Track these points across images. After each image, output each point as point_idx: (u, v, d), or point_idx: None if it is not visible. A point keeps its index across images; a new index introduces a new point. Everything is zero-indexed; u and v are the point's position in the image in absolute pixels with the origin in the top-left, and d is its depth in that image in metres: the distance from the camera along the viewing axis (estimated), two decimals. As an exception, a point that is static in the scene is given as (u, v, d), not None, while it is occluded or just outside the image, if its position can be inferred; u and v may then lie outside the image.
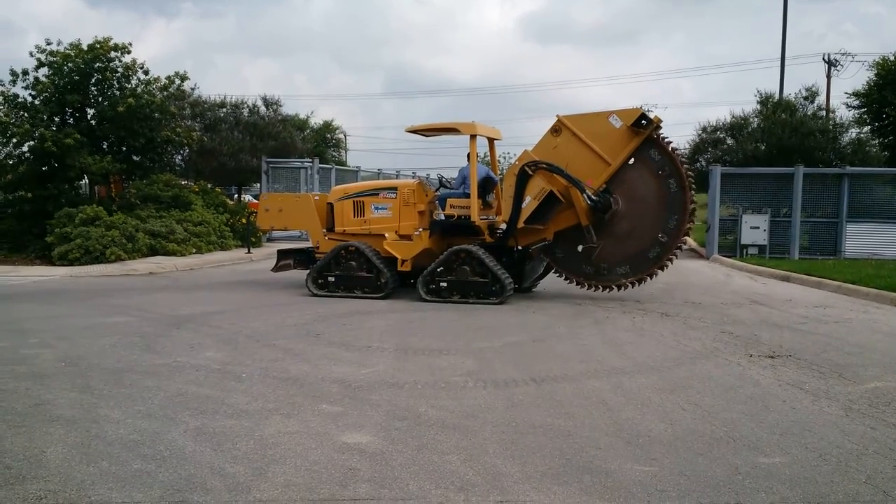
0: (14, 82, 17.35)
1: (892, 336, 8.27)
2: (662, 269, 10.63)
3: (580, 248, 10.52)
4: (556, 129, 10.52)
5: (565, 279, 10.97)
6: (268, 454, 4.26)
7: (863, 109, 24.08)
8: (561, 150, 10.44)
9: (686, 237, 10.57)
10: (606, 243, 10.49)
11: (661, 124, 10.25)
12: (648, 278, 10.67)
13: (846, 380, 6.16)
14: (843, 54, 34.19)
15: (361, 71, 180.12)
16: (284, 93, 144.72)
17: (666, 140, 10.33)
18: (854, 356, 7.09)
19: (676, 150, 10.55)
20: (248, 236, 19.06)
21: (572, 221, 10.48)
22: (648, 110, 10.57)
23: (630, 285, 10.68)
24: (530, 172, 10.40)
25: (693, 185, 10.35)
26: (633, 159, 10.38)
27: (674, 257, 10.58)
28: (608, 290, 10.77)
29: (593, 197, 10.17)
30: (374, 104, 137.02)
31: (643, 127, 10.17)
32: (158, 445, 4.37)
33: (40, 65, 17.27)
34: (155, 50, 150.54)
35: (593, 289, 10.82)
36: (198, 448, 4.34)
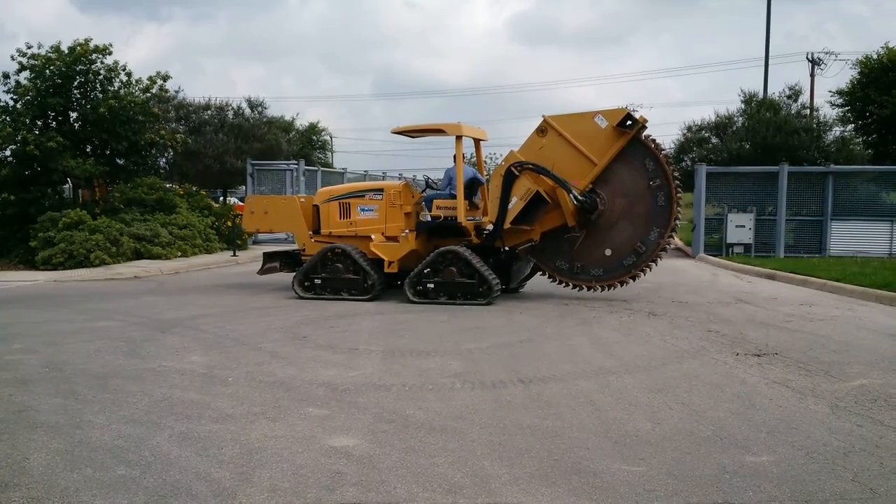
0: (-5, 86, 17.19)
1: (878, 333, 8.33)
2: (634, 278, 10.65)
3: (566, 236, 10.51)
4: (542, 130, 10.52)
5: (539, 272, 11.04)
6: (253, 458, 4.22)
7: (846, 108, 24.29)
8: (547, 150, 10.44)
9: (663, 252, 10.58)
10: (586, 243, 10.50)
11: (647, 124, 10.27)
12: (618, 285, 10.70)
13: (832, 377, 6.19)
14: (826, 53, 34.54)
15: (350, 73, 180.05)
16: (272, 95, 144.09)
17: (651, 139, 10.35)
18: (840, 354, 7.14)
19: (663, 149, 10.57)
20: (234, 239, 18.97)
21: (559, 222, 10.50)
22: (634, 110, 10.56)
23: (599, 289, 10.71)
24: (516, 173, 10.40)
25: (680, 200, 10.39)
26: (626, 163, 10.35)
27: (647, 269, 10.60)
28: (578, 288, 10.81)
29: (580, 197, 10.18)
30: (362, 106, 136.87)
31: (629, 127, 10.20)
32: (143, 451, 4.33)
33: (22, 68, 17.08)
34: (145, 54, 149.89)
35: (563, 285, 10.88)
36: (183, 453, 4.30)
